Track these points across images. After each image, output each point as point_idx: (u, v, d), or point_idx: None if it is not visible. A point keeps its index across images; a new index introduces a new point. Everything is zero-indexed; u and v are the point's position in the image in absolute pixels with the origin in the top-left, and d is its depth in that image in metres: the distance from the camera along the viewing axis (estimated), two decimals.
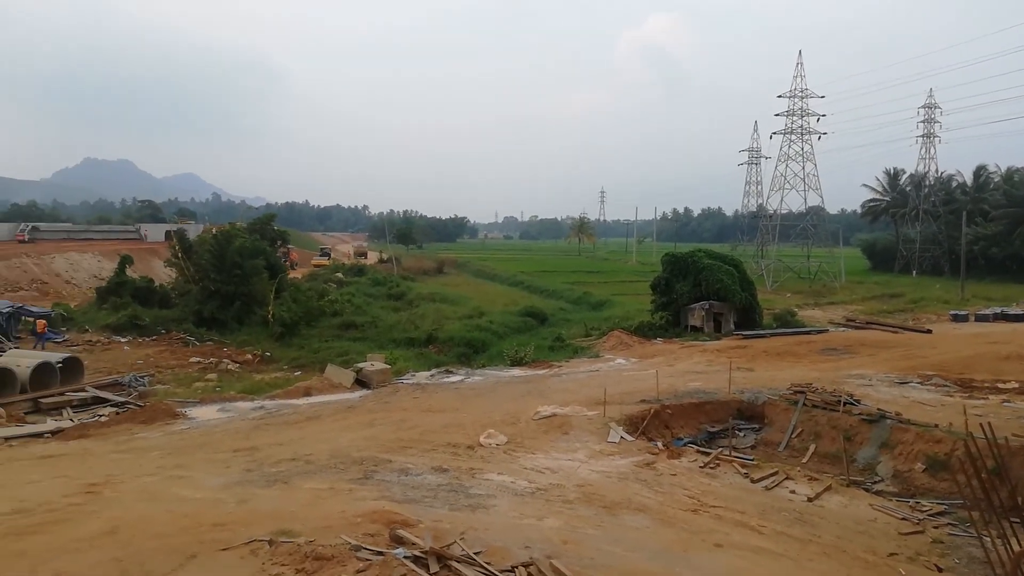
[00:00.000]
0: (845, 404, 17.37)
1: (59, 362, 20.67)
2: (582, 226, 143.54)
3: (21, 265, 55.85)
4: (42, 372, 19.95)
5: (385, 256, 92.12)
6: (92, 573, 7.91)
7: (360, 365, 23.80)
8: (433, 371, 25.87)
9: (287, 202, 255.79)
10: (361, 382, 22.67)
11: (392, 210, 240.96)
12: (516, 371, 26.24)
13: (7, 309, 30.33)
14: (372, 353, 26.58)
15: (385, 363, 24.48)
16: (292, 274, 54.37)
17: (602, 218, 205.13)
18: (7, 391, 18.97)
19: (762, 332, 33.88)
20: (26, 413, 18.20)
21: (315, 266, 78.42)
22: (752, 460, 15.60)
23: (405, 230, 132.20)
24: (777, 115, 71.11)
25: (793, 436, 17.35)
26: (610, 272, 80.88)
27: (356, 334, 33.57)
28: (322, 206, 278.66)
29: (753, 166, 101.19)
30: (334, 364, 24.19)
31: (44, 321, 28.90)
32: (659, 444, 16.49)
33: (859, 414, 16.82)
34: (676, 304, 35.84)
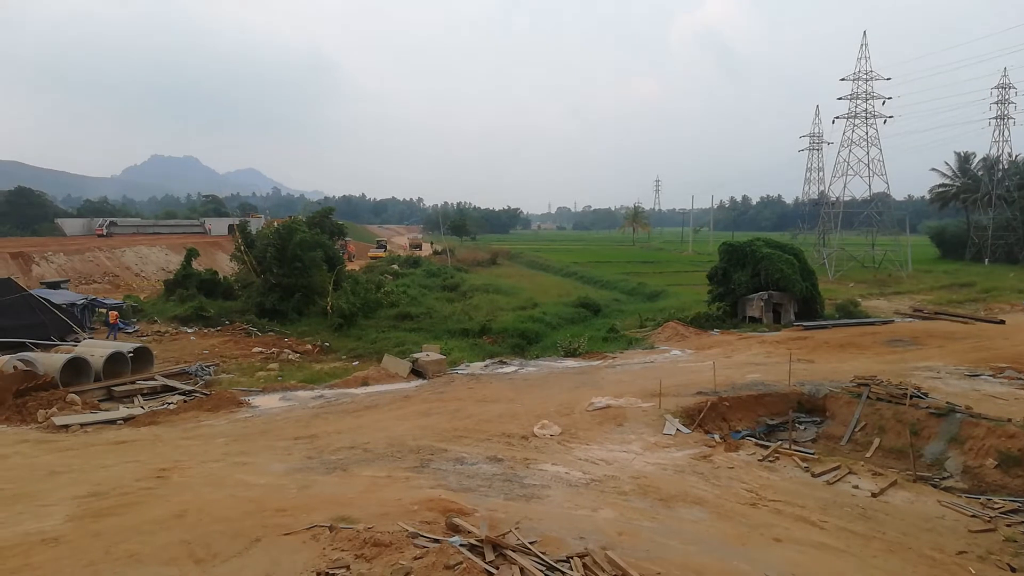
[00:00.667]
0: (912, 397, 16.74)
1: (130, 352, 21.53)
2: (636, 215, 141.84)
3: (95, 259, 58.44)
4: (115, 361, 20.83)
5: (439, 248, 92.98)
6: (162, 554, 8.24)
7: (416, 355, 24.11)
8: (487, 361, 26.01)
9: (344, 195, 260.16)
10: (417, 372, 22.96)
11: (446, 202, 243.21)
12: (570, 362, 26.17)
13: (82, 301, 31.82)
14: (427, 344, 26.90)
15: (440, 353, 24.73)
16: (349, 266, 55.39)
17: (657, 207, 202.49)
18: (82, 379, 19.88)
19: (824, 323, 32.92)
20: (100, 400, 19.01)
21: (371, 258, 79.82)
22: (813, 454, 15.21)
23: (459, 222, 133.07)
24: (840, 99, 68.60)
25: (856, 430, 16.83)
26: (665, 262, 79.80)
27: (411, 325, 34.01)
28: (378, 199, 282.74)
29: (814, 152, 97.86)
30: (390, 354, 24.56)
31: (116, 312, 30.20)
32: (716, 437, 16.25)
33: (927, 408, 16.20)
34: (734, 294, 35.18)
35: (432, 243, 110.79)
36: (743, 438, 16.40)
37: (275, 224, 42.55)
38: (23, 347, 23.23)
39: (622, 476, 12.65)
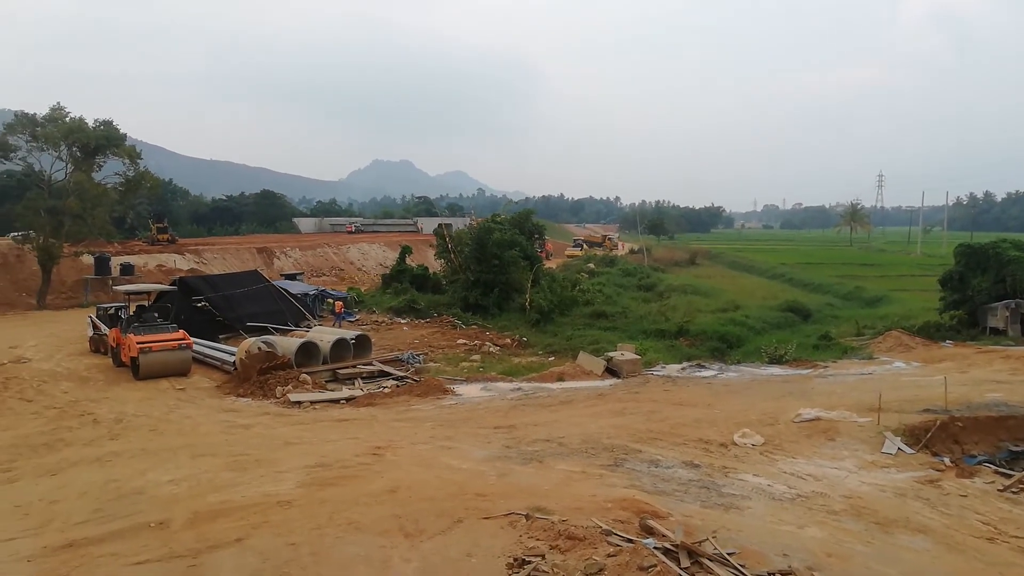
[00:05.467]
0: None
1: (353, 339, 23.73)
2: (855, 214, 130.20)
3: (324, 254, 65.23)
4: (339, 346, 23.07)
5: (636, 247, 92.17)
6: (377, 525, 9.00)
7: (611, 354, 24.08)
8: (684, 364, 25.32)
9: (543, 195, 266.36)
10: (611, 371, 22.94)
11: (644, 200, 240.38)
12: (775, 369, 24.70)
13: (313, 292, 35.63)
14: (622, 343, 26.74)
15: (635, 353, 24.50)
16: (547, 264, 56.67)
17: (879, 205, 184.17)
18: (312, 362, 22.26)
19: None
20: (326, 381, 21.16)
21: (568, 257, 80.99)
22: None
23: (657, 221, 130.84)
24: None
25: None
26: (888, 265, 72.53)
27: (606, 323, 33.99)
28: (575, 198, 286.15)
29: None
30: (586, 352, 24.75)
31: (341, 302, 33.44)
32: (946, 460, 14.47)
33: None
34: (971, 302, 31.05)
35: (617, 238, 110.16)
36: (979, 464, 14.45)
37: (476, 223, 44.73)
38: (265, 331, 26.47)
39: (832, 494, 11.72)
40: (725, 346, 29.18)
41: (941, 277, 33.68)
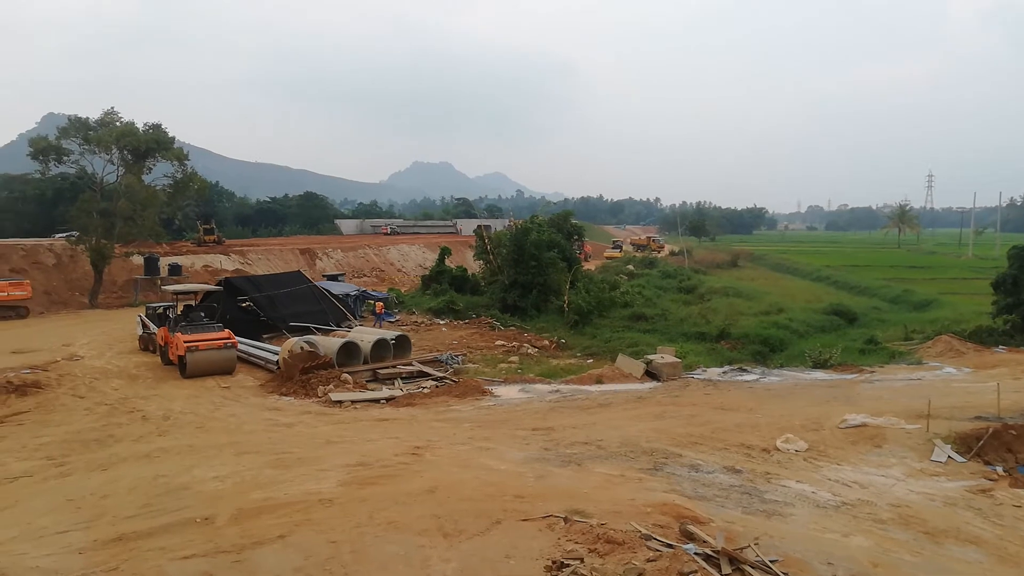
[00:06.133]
0: None
1: (393, 339, 23.96)
2: (903, 215, 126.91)
3: (365, 255, 66.01)
4: (379, 347, 23.32)
5: (676, 249, 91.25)
6: (416, 525, 9.06)
7: (650, 357, 23.86)
8: (725, 368, 24.95)
9: (582, 196, 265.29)
10: (651, 374, 22.72)
11: (684, 201, 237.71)
12: (819, 373, 24.20)
13: (354, 292, 36.09)
14: (662, 345, 26.48)
15: (675, 356, 24.24)
16: (585, 266, 56.44)
17: (928, 205, 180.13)
18: (353, 361, 22.53)
19: None
20: (367, 381, 21.37)
21: (607, 258, 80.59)
22: None
23: (697, 222, 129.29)
24: None
25: None
26: (938, 268, 70.53)
27: (646, 326, 33.71)
28: (615, 199, 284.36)
29: None
30: (624, 354, 24.57)
31: (382, 303, 33.79)
32: (999, 470, 13.97)
33: None
34: None
35: (651, 239, 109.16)
36: None
37: (514, 225, 44.80)
38: (308, 331, 26.89)
39: (879, 502, 11.43)
40: (768, 350, 28.73)
41: (994, 280, 32.59)
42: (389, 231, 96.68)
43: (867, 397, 19.61)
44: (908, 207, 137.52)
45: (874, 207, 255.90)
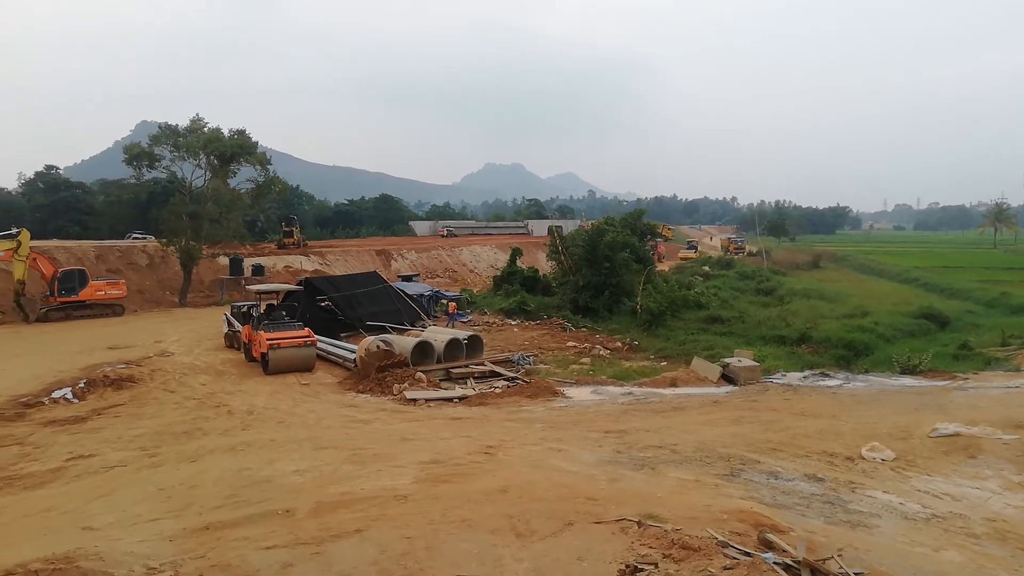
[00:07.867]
0: None
1: (465, 339, 24.17)
2: (1000, 213, 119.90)
3: (438, 256, 67.06)
4: (452, 346, 23.57)
5: (754, 249, 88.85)
6: (489, 523, 9.11)
7: (727, 360, 23.25)
8: (806, 372, 24.10)
9: (656, 196, 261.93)
10: (727, 377, 22.15)
11: (762, 200, 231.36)
12: (907, 380, 23.06)
13: (428, 292, 36.64)
14: (739, 348, 25.77)
15: (753, 360, 23.57)
16: (659, 267, 55.61)
17: None
18: (427, 360, 22.86)
19: None
20: (440, 380, 21.63)
21: (682, 259, 79.22)
22: None
23: (776, 221, 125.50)
24: None
25: None
26: None
27: (722, 328, 32.90)
28: (689, 199, 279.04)
29: None
30: (700, 357, 24.05)
31: (454, 303, 34.19)
32: None
33: None
34: None
35: (727, 240, 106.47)
36: None
37: (587, 226, 44.58)
38: (384, 330, 27.45)
39: (973, 516, 10.79)
40: (852, 354, 27.57)
41: None
42: (446, 233, 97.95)
43: (960, 405, 18.57)
44: (1005, 205, 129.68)
45: (968, 205, 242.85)
